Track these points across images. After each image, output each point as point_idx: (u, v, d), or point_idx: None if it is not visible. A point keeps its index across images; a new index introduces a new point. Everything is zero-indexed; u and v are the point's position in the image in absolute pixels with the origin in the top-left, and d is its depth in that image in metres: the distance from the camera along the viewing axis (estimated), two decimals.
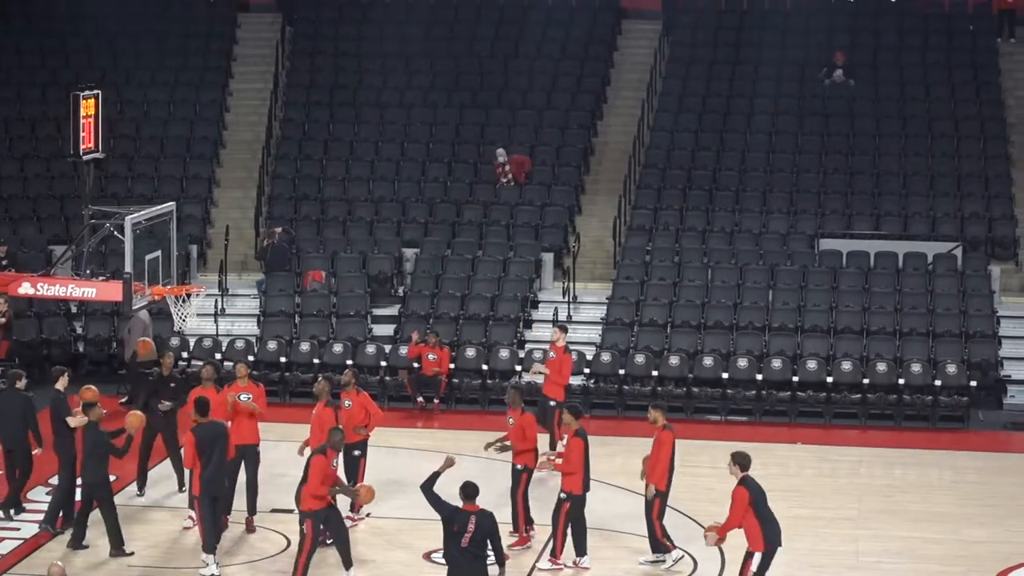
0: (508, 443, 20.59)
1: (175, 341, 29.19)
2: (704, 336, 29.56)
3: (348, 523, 20.90)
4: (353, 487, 19.52)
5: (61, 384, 21.33)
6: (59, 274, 23.86)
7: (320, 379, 21.13)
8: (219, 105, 36.86)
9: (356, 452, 21.04)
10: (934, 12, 38.01)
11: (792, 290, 30.64)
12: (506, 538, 18.65)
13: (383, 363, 29.03)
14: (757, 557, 17.37)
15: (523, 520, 20.32)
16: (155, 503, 22.30)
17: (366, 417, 21.16)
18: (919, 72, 36.52)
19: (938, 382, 28.02)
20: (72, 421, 20.70)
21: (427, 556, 19.96)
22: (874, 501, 23.05)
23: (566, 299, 30.94)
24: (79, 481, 20.60)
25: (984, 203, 33.08)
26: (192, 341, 29.46)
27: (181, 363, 29.16)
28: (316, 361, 29.14)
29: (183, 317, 23.20)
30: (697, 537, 20.61)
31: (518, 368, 28.94)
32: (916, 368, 28.26)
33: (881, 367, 28.27)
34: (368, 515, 21.46)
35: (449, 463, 17.13)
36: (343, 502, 20.95)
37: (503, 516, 18.13)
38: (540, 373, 25.16)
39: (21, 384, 21.49)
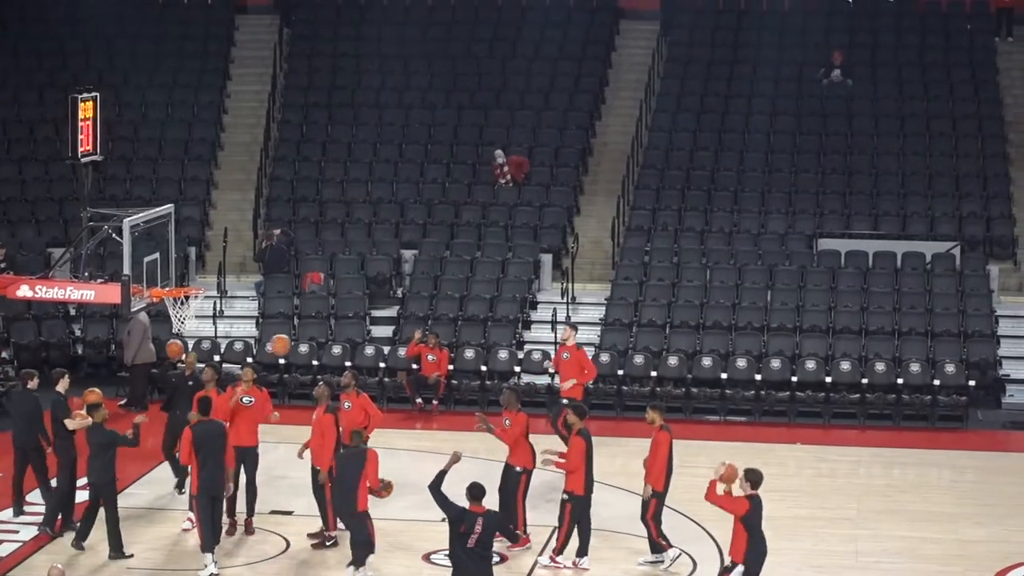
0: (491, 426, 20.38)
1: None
2: (703, 336, 29.57)
3: None
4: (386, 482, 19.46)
5: (62, 386, 21.31)
6: (58, 276, 23.88)
7: (320, 383, 21.10)
8: (217, 107, 36.85)
9: None
10: (932, 11, 38.02)
11: (791, 290, 30.65)
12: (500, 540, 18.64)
13: (382, 364, 29.04)
14: (739, 570, 17.23)
15: (522, 522, 20.30)
16: (155, 505, 22.29)
17: (366, 419, 21.14)
18: (917, 71, 36.53)
19: (937, 382, 28.03)
20: (71, 424, 20.68)
21: (427, 558, 19.96)
22: (873, 501, 23.06)
23: (565, 300, 30.95)
24: (80, 483, 20.61)
25: (982, 202, 33.09)
26: (191, 343, 29.42)
27: (180, 365, 29.23)
28: (315, 363, 29.16)
29: (182, 319, 23.19)
30: (697, 537, 20.65)
31: (516, 369, 28.95)
32: (915, 368, 28.27)
33: (880, 367, 28.28)
34: None
35: (455, 459, 17.14)
36: None
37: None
38: (569, 386, 24.98)
39: (33, 384, 21.46)
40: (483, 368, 28.96)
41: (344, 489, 18.84)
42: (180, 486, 22.32)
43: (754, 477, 17.22)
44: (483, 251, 32.19)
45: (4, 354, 29.52)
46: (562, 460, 19.55)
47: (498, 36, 38.13)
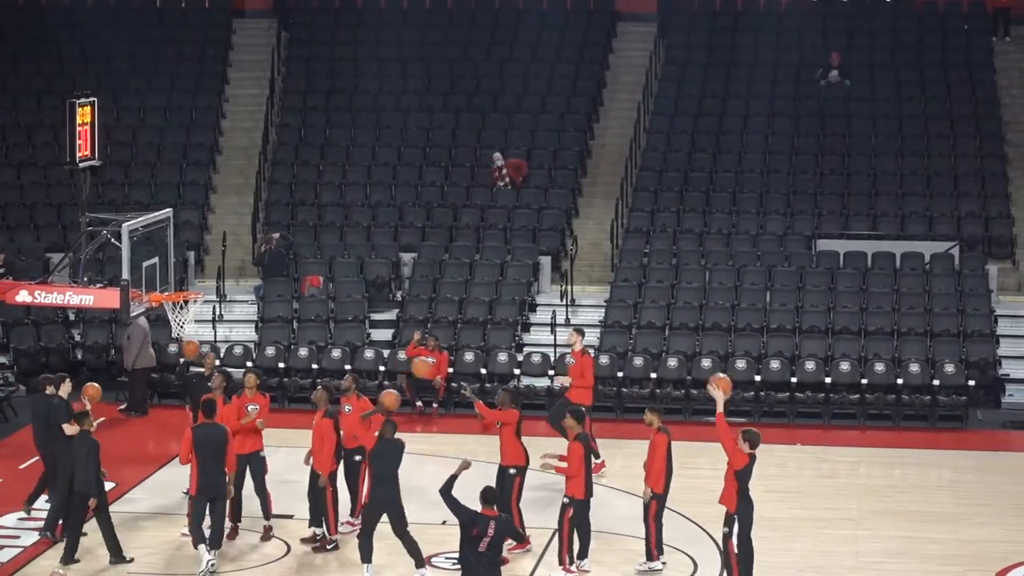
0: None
1: (173, 348, 29.20)
2: (702, 338, 29.57)
3: (348, 528, 20.95)
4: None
5: (64, 391, 21.31)
6: (57, 282, 23.87)
7: (319, 387, 21.07)
8: (215, 111, 36.86)
9: (357, 457, 20.98)
10: (929, 12, 38.04)
11: (790, 291, 30.66)
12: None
13: (381, 368, 29.03)
14: (735, 524, 17.59)
15: (517, 523, 20.25)
16: (155, 510, 22.29)
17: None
18: (915, 72, 36.55)
19: (936, 382, 28.03)
20: (69, 429, 20.67)
21: (428, 560, 19.94)
22: (873, 501, 23.06)
23: (564, 302, 30.96)
24: None
25: (981, 202, 33.11)
26: None
27: (179, 369, 29.22)
28: (315, 366, 29.16)
29: (181, 324, 23.19)
30: (697, 538, 20.65)
31: (516, 372, 28.95)
32: (914, 368, 28.28)
33: (879, 367, 28.29)
34: None
35: (465, 465, 17.17)
36: (344, 507, 20.98)
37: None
38: (564, 386, 24.99)
39: (51, 390, 21.41)
40: (483, 371, 28.96)
41: (388, 479, 18.87)
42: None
43: (752, 437, 17.82)
44: (482, 254, 32.20)
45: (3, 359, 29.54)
46: (562, 465, 19.54)
47: (495, 39, 38.14)
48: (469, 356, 29.15)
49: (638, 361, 28.78)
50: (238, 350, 29.54)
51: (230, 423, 20.24)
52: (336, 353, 29.38)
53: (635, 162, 34.78)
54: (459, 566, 16.48)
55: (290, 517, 21.41)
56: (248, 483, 20.77)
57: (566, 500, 19.43)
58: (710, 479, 21.56)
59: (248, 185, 35.13)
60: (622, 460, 23.93)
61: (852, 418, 28.00)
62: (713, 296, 30.55)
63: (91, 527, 20.17)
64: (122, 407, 28.00)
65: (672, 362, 28.71)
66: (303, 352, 29.47)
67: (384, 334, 30.53)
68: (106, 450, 20.29)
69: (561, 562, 19.49)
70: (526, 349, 29.82)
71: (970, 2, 37.91)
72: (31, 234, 33.41)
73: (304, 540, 20.63)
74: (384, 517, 19.06)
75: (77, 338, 30.86)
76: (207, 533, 19.42)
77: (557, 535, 19.59)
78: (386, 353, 29.30)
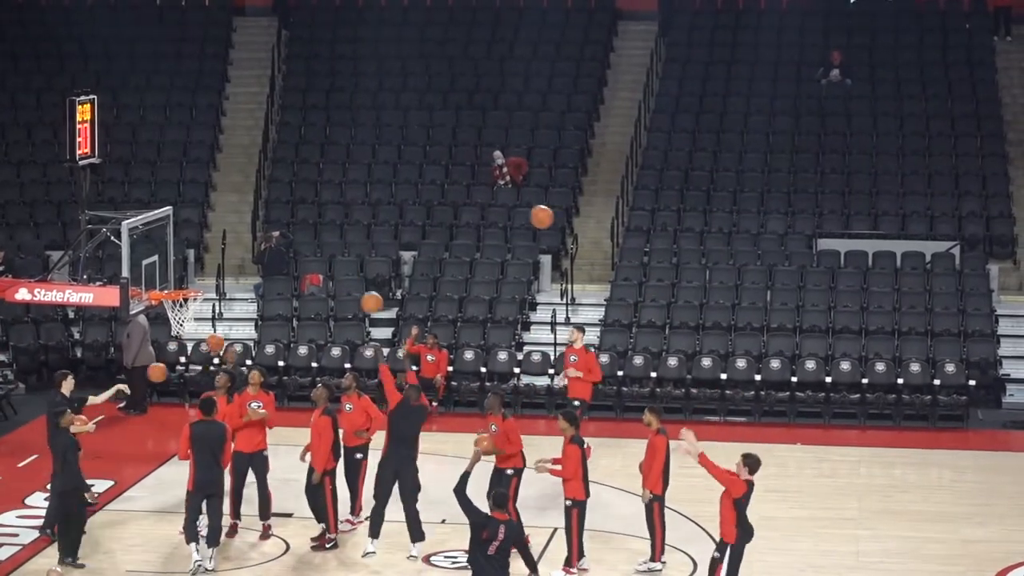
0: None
1: (173, 346, 29.20)
2: (702, 337, 29.54)
3: (347, 526, 20.93)
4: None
5: (66, 388, 21.25)
6: (56, 279, 23.88)
7: (319, 385, 21.04)
8: (215, 109, 36.83)
9: (358, 455, 20.99)
10: (930, 11, 38.01)
11: (790, 290, 30.64)
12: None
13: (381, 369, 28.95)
14: (728, 553, 17.43)
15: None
16: (154, 508, 22.27)
17: (367, 421, 21.10)
18: (915, 71, 36.51)
19: (937, 381, 28.01)
20: (68, 426, 20.62)
21: (427, 559, 19.92)
22: (874, 501, 23.04)
23: (564, 301, 30.93)
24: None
25: (982, 201, 33.08)
26: (190, 346, 29.43)
27: (179, 367, 29.22)
28: (314, 365, 29.15)
29: (180, 322, 23.21)
30: (697, 538, 20.62)
31: (516, 371, 28.93)
32: (915, 368, 28.25)
33: (880, 367, 28.26)
34: (367, 519, 21.40)
35: (477, 458, 17.13)
36: (343, 506, 20.95)
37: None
38: (568, 377, 24.98)
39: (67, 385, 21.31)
40: (483, 369, 28.94)
41: (406, 441, 19.56)
42: None
43: (752, 463, 17.54)
44: (482, 252, 32.17)
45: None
46: (557, 468, 19.46)
47: (496, 37, 38.11)
48: (469, 355, 29.12)
49: (638, 360, 28.75)
50: (238, 348, 29.49)
51: (232, 421, 20.22)
52: (336, 352, 29.37)
53: (636, 160, 34.75)
54: (469, 567, 16.44)
55: (290, 516, 21.39)
56: (250, 481, 20.73)
57: (568, 503, 19.35)
58: (709, 479, 21.55)
59: (248, 183, 35.11)
60: (622, 460, 23.89)
61: (852, 418, 27.98)
62: (713, 295, 30.52)
63: (90, 526, 20.13)
64: (121, 405, 27.95)
65: (672, 361, 28.69)
66: (303, 350, 29.45)
67: (384, 332, 30.49)
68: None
69: (568, 564, 19.44)
70: (526, 348, 29.79)
71: (971, 1, 37.86)
72: (31, 232, 33.38)
73: (314, 539, 20.56)
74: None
75: (77, 336, 30.83)
76: (203, 532, 19.39)
77: (566, 539, 19.44)
78: (386, 351, 29.24)
